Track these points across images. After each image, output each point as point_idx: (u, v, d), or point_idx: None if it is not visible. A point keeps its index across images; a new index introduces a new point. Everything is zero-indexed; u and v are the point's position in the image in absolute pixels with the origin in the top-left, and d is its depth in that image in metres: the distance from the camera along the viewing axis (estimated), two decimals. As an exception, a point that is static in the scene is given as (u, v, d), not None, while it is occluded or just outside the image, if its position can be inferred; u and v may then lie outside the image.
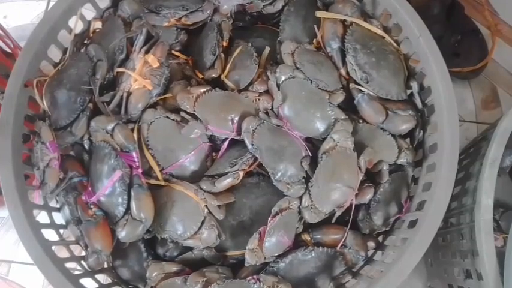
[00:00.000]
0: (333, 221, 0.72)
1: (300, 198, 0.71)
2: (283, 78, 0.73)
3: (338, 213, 0.71)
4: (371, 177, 0.73)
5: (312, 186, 0.69)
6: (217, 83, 0.78)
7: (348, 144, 0.70)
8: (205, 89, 0.72)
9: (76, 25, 0.80)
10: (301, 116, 0.72)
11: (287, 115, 0.72)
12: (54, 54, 0.80)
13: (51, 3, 1.14)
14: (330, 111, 0.73)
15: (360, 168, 0.70)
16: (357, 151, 0.71)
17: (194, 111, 0.71)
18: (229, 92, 0.74)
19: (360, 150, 0.71)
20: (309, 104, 0.73)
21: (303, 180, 0.71)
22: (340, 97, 0.74)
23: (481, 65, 1.04)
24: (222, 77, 0.77)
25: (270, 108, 0.74)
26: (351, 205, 0.70)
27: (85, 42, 0.82)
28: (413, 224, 0.69)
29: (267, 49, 0.78)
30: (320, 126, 0.73)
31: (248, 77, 0.76)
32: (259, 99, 0.74)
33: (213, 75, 0.77)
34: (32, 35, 0.75)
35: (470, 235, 0.70)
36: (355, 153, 0.70)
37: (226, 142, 0.73)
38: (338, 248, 0.71)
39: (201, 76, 0.78)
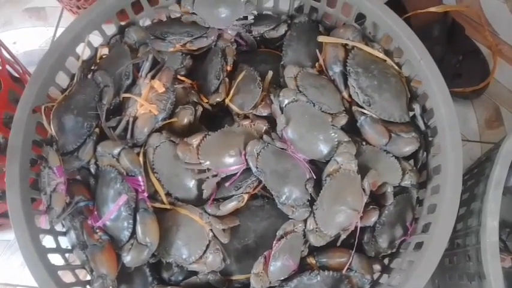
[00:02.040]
0: (339, 243, 0.71)
1: (305, 221, 0.70)
2: (286, 101, 0.74)
3: (343, 236, 0.70)
4: (375, 199, 0.73)
5: (316, 209, 0.69)
6: (221, 107, 0.79)
7: (351, 167, 0.71)
8: (201, 136, 0.73)
9: (83, 52, 0.82)
10: (305, 139, 0.73)
11: (291, 138, 0.73)
12: (62, 80, 0.81)
13: (60, 30, 1.17)
14: (333, 134, 0.73)
15: (364, 190, 0.70)
16: (361, 173, 0.71)
17: (200, 162, 0.72)
18: (222, 129, 0.75)
19: (363, 172, 0.71)
20: (312, 126, 0.73)
21: (308, 203, 0.71)
22: (343, 120, 0.75)
23: (483, 84, 1.05)
24: (227, 101, 0.78)
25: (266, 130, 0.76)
26: (356, 228, 0.70)
27: (92, 68, 0.83)
28: (419, 246, 0.68)
29: (270, 73, 0.80)
30: (323, 149, 0.73)
31: (252, 100, 0.77)
32: (253, 125, 0.75)
33: (218, 99, 0.78)
34: (40, 62, 0.77)
35: (477, 257, 0.69)
36: (359, 176, 0.71)
37: (239, 173, 0.73)
38: (344, 271, 0.70)
39: (205, 100, 0.79)
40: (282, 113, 0.74)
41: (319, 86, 0.76)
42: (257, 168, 0.70)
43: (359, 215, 0.69)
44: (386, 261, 0.77)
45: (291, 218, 0.71)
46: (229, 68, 0.81)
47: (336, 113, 0.75)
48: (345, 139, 0.73)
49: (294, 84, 0.75)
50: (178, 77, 0.80)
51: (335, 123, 0.74)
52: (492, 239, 0.66)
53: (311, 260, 0.72)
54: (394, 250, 0.75)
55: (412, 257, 0.69)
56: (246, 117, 0.78)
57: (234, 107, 0.78)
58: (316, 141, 0.73)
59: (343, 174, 0.70)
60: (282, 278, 0.69)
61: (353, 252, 0.71)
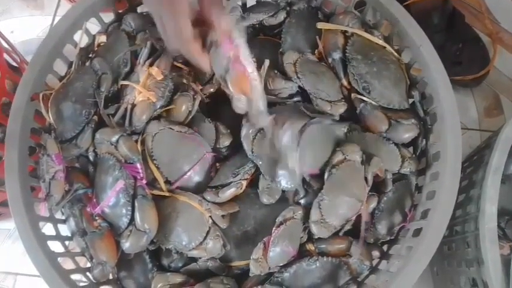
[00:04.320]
0: (341, 233, 0.71)
1: (308, 211, 0.70)
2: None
3: (347, 227, 0.70)
4: (374, 186, 0.73)
5: (322, 200, 0.69)
6: (214, 94, 0.79)
7: (356, 158, 0.70)
8: None
9: (81, 39, 0.82)
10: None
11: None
12: (60, 67, 0.81)
13: (57, 18, 1.17)
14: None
15: (367, 180, 0.70)
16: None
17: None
18: None
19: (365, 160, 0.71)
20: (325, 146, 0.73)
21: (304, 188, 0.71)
22: (341, 108, 0.74)
23: (482, 73, 1.05)
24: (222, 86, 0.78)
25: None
26: (358, 217, 0.70)
27: (90, 56, 0.83)
28: (417, 232, 0.69)
29: (267, 62, 0.78)
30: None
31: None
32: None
33: (211, 90, 0.78)
34: (38, 50, 0.76)
35: (475, 243, 0.70)
36: (363, 167, 0.70)
37: None
38: (343, 257, 0.70)
39: (200, 87, 0.78)
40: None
41: (318, 72, 0.76)
42: (252, 152, 0.70)
43: (363, 206, 0.69)
44: (385, 247, 0.77)
45: (290, 204, 0.71)
46: None
47: (334, 100, 0.75)
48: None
49: (293, 71, 0.75)
50: (176, 63, 0.80)
51: (333, 112, 0.74)
52: (491, 225, 0.66)
53: (310, 247, 0.72)
54: (393, 237, 0.75)
55: (410, 243, 0.69)
56: None
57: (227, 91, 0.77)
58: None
59: (348, 165, 0.70)
60: (281, 264, 0.70)
61: (361, 240, 0.70)
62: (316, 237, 0.71)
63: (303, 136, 0.69)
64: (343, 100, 0.76)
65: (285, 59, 0.76)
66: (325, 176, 0.70)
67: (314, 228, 0.69)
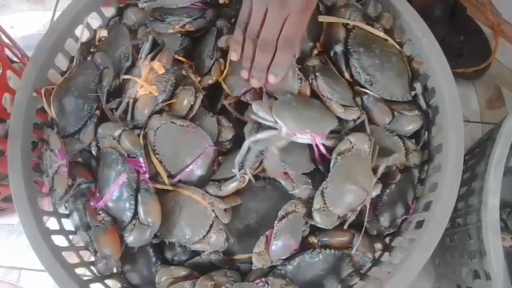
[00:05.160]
0: (346, 226, 0.70)
1: (311, 200, 0.69)
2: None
3: (352, 218, 0.69)
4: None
5: (326, 187, 0.68)
6: (213, 87, 0.79)
7: (364, 148, 0.69)
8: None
9: (82, 34, 0.81)
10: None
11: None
12: (61, 62, 0.81)
13: (58, 13, 1.16)
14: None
15: (375, 171, 0.69)
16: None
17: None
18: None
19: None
20: (307, 108, 0.72)
21: (310, 180, 0.71)
22: (355, 113, 0.72)
23: (484, 65, 1.04)
24: (220, 79, 0.78)
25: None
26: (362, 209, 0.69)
27: (91, 50, 0.83)
28: (420, 224, 0.69)
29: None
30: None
31: (243, 86, 0.76)
32: None
33: (209, 82, 0.78)
34: (39, 44, 0.76)
35: (478, 235, 0.70)
36: (370, 157, 0.69)
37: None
38: (345, 250, 0.71)
39: (199, 79, 0.78)
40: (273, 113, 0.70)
41: (334, 77, 0.75)
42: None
43: (368, 196, 0.68)
44: (387, 240, 0.77)
45: (292, 198, 0.71)
46: (225, 48, 0.80)
47: (349, 105, 0.73)
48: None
49: (312, 71, 0.74)
50: (177, 57, 0.79)
51: (347, 116, 0.72)
52: (493, 217, 0.66)
53: (313, 239, 0.73)
54: (395, 229, 0.75)
55: (413, 235, 0.69)
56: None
57: (225, 87, 0.77)
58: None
59: (354, 154, 0.68)
60: (283, 257, 0.70)
61: (362, 233, 0.69)
62: (319, 226, 0.69)
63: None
64: (357, 107, 0.74)
65: (309, 61, 0.76)
66: (331, 164, 0.69)
67: (317, 217, 0.67)
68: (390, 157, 0.70)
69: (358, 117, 0.73)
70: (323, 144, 0.70)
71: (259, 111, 0.70)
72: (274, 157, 0.69)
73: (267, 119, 0.70)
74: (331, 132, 0.72)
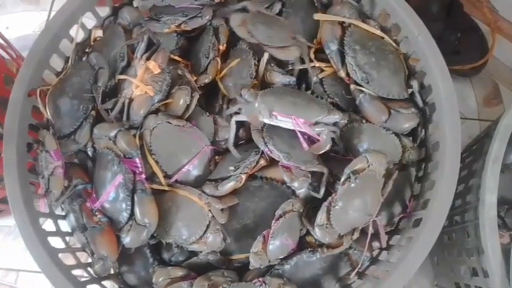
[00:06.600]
0: (345, 244, 0.68)
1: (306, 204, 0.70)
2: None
3: (356, 235, 0.68)
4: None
5: (334, 206, 0.67)
6: (210, 86, 0.79)
7: (380, 170, 0.68)
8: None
9: (77, 34, 0.81)
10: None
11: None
12: (57, 63, 0.81)
13: (53, 13, 1.16)
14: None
15: (382, 195, 0.68)
16: (360, 150, 0.72)
17: None
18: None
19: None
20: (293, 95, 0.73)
21: (309, 174, 0.71)
22: (295, 52, 0.75)
23: (481, 62, 1.04)
24: (217, 78, 0.78)
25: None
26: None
27: (86, 50, 0.83)
28: (417, 223, 0.69)
29: (266, 55, 0.78)
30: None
31: (240, 87, 0.75)
32: None
33: (205, 81, 0.77)
34: (34, 45, 0.76)
35: (475, 232, 0.70)
36: (383, 180, 0.68)
37: None
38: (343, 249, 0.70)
39: (195, 79, 0.78)
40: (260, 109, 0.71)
41: (268, 22, 0.76)
42: (263, 139, 0.70)
43: (372, 219, 0.67)
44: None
45: (289, 198, 0.71)
46: (221, 47, 0.79)
47: (286, 46, 0.75)
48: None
49: (245, 31, 0.75)
50: (173, 57, 0.79)
51: (288, 57, 0.75)
52: (491, 214, 0.66)
53: (310, 239, 0.72)
54: (393, 227, 0.75)
55: (410, 234, 0.69)
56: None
57: (222, 87, 0.77)
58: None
59: (368, 176, 0.67)
60: (281, 257, 0.70)
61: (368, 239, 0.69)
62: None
63: None
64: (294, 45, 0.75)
65: (232, 24, 0.76)
66: (342, 179, 0.68)
67: (318, 232, 0.67)
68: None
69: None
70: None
71: (246, 94, 0.72)
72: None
73: (250, 101, 0.72)
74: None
